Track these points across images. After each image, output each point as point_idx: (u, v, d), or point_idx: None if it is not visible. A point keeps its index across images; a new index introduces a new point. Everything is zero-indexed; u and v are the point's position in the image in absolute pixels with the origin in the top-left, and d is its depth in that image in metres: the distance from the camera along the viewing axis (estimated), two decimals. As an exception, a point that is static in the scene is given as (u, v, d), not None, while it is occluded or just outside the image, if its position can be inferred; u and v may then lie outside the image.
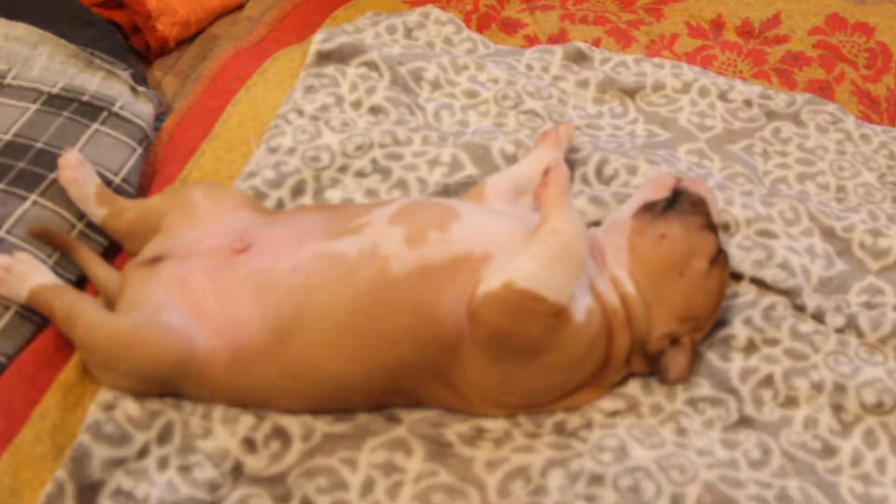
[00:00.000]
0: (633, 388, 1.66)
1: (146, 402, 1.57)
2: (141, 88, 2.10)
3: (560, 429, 1.59)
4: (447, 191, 1.94)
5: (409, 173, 1.96)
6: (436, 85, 2.24)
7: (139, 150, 1.96)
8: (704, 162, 2.08)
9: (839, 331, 1.75)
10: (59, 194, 1.81)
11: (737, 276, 1.82)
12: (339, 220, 1.64)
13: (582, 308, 1.53)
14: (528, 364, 1.53)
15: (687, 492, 1.48)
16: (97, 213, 1.78)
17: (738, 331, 1.73)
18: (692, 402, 1.63)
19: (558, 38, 2.50)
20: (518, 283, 1.46)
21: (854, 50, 2.45)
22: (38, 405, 1.56)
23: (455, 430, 1.58)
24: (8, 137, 1.89)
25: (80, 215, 1.81)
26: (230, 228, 1.68)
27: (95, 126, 1.95)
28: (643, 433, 1.58)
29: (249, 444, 1.55)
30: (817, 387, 1.64)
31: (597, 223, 1.84)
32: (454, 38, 2.43)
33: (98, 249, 1.80)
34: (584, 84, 2.30)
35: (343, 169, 1.96)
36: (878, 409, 1.62)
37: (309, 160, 1.95)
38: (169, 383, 1.56)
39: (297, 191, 1.92)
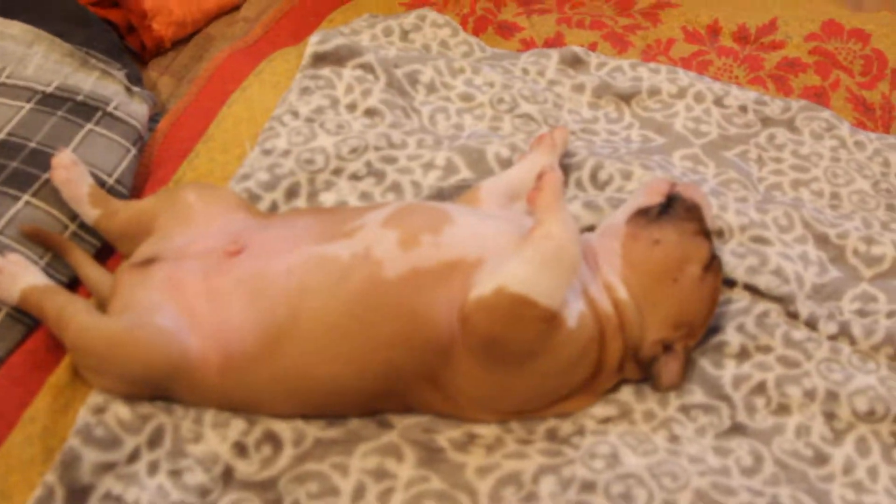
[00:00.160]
0: (626, 394, 1.65)
1: (137, 405, 1.55)
2: (136, 89, 2.10)
3: (552, 435, 1.59)
4: (441, 194, 1.93)
5: (404, 176, 1.95)
6: (431, 88, 2.23)
7: (133, 151, 1.96)
8: (699, 168, 2.08)
9: (832, 338, 1.75)
10: (52, 195, 1.80)
11: (730, 283, 1.81)
12: (332, 223, 1.64)
13: (574, 313, 1.52)
14: (520, 370, 1.53)
15: (678, 499, 1.47)
16: (90, 213, 1.78)
17: (731, 338, 1.72)
18: (685, 409, 1.63)
19: (554, 42, 2.49)
20: (510, 288, 1.45)
21: (849, 57, 2.44)
22: (28, 408, 1.54)
23: (447, 435, 1.57)
24: (1, 136, 1.88)
25: (73, 216, 1.80)
26: (224, 231, 1.67)
27: (89, 126, 1.95)
28: (635, 440, 1.57)
29: (240, 449, 1.54)
30: (810, 394, 1.64)
31: (591, 228, 1.83)
32: (450, 41, 2.43)
33: (91, 251, 1.80)
34: (579, 88, 2.29)
35: (337, 171, 1.96)
36: (870, 417, 1.61)
37: (303, 162, 1.95)
38: (160, 386, 1.56)
39: (291, 193, 1.91)
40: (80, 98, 1.99)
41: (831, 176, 2.09)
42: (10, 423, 1.52)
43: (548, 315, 1.47)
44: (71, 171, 1.78)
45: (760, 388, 1.65)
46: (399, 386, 1.56)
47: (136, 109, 2.04)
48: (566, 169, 1.98)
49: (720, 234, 1.88)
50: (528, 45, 2.50)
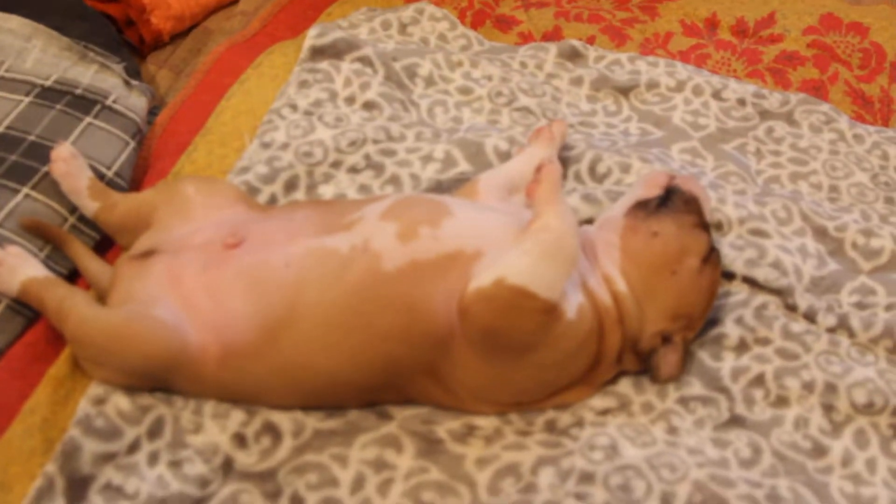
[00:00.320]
0: (625, 386, 1.66)
1: (137, 396, 1.56)
2: (134, 82, 2.10)
3: (551, 427, 1.59)
4: (440, 187, 1.93)
5: (403, 169, 1.96)
6: (430, 81, 2.23)
7: (132, 144, 1.96)
8: (697, 161, 2.08)
9: (831, 330, 1.75)
10: (51, 187, 1.80)
11: (729, 275, 1.82)
12: (331, 215, 1.64)
13: (573, 305, 1.53)
14: (519, 361, 1.53)
15: (677, 490, 1.48)
16: (89, 206, 1.78)
17: (730, 330, 1.73)
18: (683, 401, 1.63)
19: (553, 35, 2.50)
20: (509, 280, 1.45)
21: (848, 50, 2.45)
22: (28, 399, 1.55)
23: (446, 427, 1.58)
24: (0, 130, 1.88)
25: (72, 209, 1.80)
26: (222, 223, 1.68)
27: (88, 119, 1.95)
28: (634, 432, 1.57)
29: (240, 440, 1.54)
30: (808, 386, 1.64)
31: (589, 221, 1.84)
32: (448, 34, 2.43)
33: (90, 243, 1.80)
34: (577, 82, 2.30)
35: (336, 164, 1.96)
36: (868, 409, 1.62)
37: (302, 155, 1.95)
38: (160, 378, 1.56)
39: (290, 186, 1.91)
40: (78, 91, 1.99)
41: (830, 169, 2.10)
42: (10, 414, 1.53)
43: (547, 307, 1.47)
44: (70, 164, 1.78)
45: (759, 380, 1.66)
46: (398, 378, 1.57)
47: (134, 103, 2.04)
48: (565, 162, 1.99)
49: (719, 226, 1.88)
50: (526, 38, 2.50)
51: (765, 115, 2.22)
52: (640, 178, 1.84)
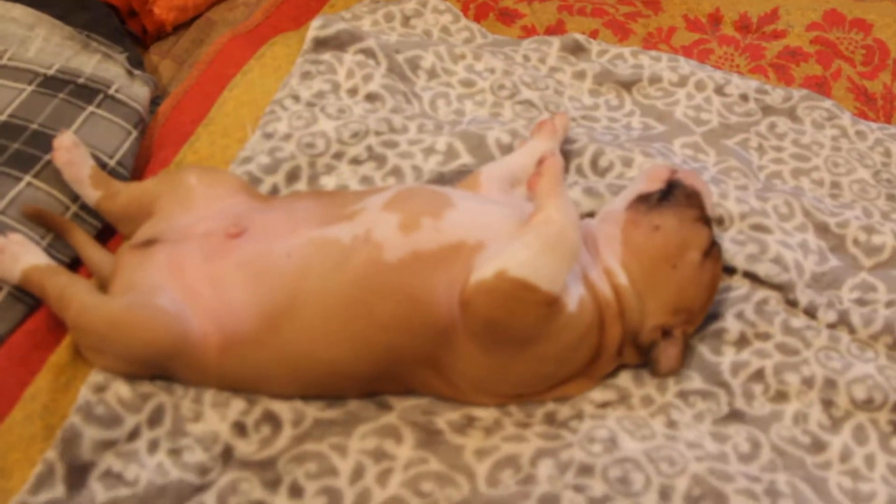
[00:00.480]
0: (625, 379, 1.66)
1: (137, 384, 1.57)
2: (137, 72, 2.10)
3: (551, 419, 1.60)
4: (442, 179, 1.93)
5: (405, 161, 1.96)
6: (432, 73, 2.23)
7: (134, 133, 1.96)
8: (699, 156, 2.08)
9: (831, 326, 1.75)
10: (53, 176, 1.81)
11: (730, 270, 1.82)
12: (333, 206, 1.64)
13: (574, 298, 1.53)
14: (520, 353, 1.53)
15: (676, 484, 1.48)
16: (91, 195, 1.78)
17: (731, 325, 1.73)
18: (683, 395, 1.64)
19: (556, 29, 2.50)
20: (511, 272, 1.46)
21: (851, 46, 2.45)
22: (29, 386, 1.56)
23: (446, 418, 1.58)
24: (3, 118, 1.89)
25: (75, 197, 1.81)
26: (225, 213, 1.68)
27: (91, 108, 1.95)
28: (633, 425, 1.58)
29: (240, 429, 1.55)
30: (808, 382, 1.64)
31: (591, 215, 1.84)
32: (451, 27, 2.43)
33: (92, 232, 1.81)
34: (580, 76, 2.30)
35: (338, 156, 1.96)
36: (868, 405, 1.62)
37: (304, 146, 1.95)
38: (161, 366, 1.57)
39: (292, 177, 1.92)
40: (81, 81, 2.00)
41: (832, 165, 2.09)
42: (10, 401, 1.53)
43: (548, 299, 1.48)
44: (72, 153, 1.78)
45: (759, 375, 1.66)
46: (398, 368, 1.57)
47: (137, 92, 2.05)
48: (567, 155, 1.99)
49: (720, 221, 1.89)
50: (529, 31, 2.50)
51: (767, 110, 2.21)
52: (641, 171, 1.84)
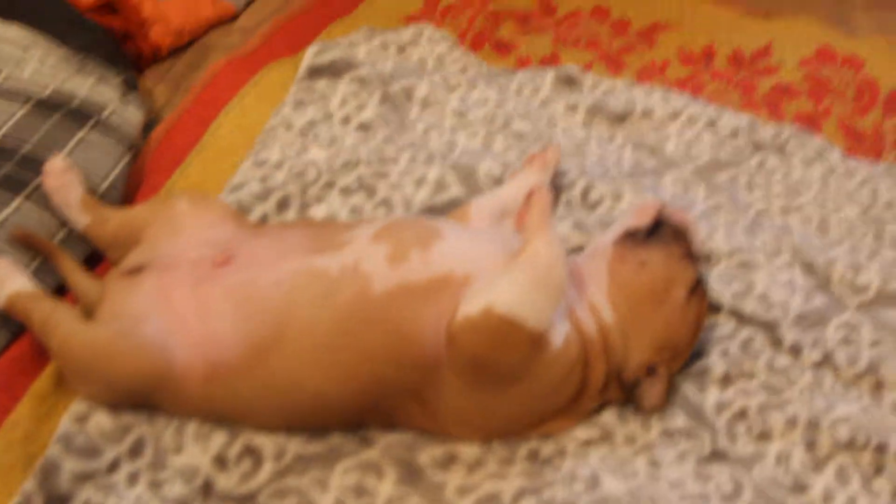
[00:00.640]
0: (608, 417, 1.64)
1: (119, 414, 1.55)
2: (131, 95, 2.09)
3: (533, 456, 1.58)
4: (432, 211, 1.92)
5: (395, 192, 1.95)
6: (426, 103, 2.22)
7: (126, 158, 1.96)
8: (689, 191, 2.07)
9: (816, 365, 1.74)
10: (43, 199, 1.79)
11: (716, 308, 1.81)
12: (322, 236, 1.63)
13: (560, 335, 1.51)
14: (505, 390, 1.52)
15: (657, 523, 1.47)
16: (80, 220, 1.77)
17: (715, 363, 1.71)
18: (667, 434, 1.62)
19: (550, 60, 2.49)
20: (498, 309, 1.44)
21: (842, 84, 2.43)
22: (10, 413, 1.55)
23: (429, 454, 1.56)
24: (-4, 140, 1.88)
25: (63, 222, 1.79)
26: (213, 240, 1.66)
27: (84, 132, 1.94)
28: (616, 463, 1.56)
29: (221, 462, 1.53)
30: (791, 422, 1.63)
31: (580, 249, 1.83)
32: (447, 56, 2.42)
33: (79, 257, 1.78)
34: (573, 108, 2.28)
35: (329, 185, 1.95)
36: (851, 446, 1.60)
37: (295, 175, 1.94)
38: (145, 396, 1.55)
39: (283, 205, 1.90)
40: (75, 103, 1.99)
41: (820, 202, 2.08)
42: (-8, 428, 1.52)
43: (535, 337, 1.46)
44: (63, 178, 1.77)
45: (742, 414, 1.65)
46: (383, 401, 1.55)
47: (130, 116, 2.04)
48: (557, 188, 1.98)
49: (708, 258, 1.88)
50: (523, 63, 2.49)
51: (758, 146, 2.20)
52: (630, 207, 1.83)
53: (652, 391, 1.61)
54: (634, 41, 2.55)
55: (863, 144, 2.29)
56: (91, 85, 2.06)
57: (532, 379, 1.51)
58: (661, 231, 1.67)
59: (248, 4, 2.61)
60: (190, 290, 1.58)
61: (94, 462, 1.49)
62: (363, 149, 2.02)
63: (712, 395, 1.68)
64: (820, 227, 2.04)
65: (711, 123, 2.24)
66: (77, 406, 1.54)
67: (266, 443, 1.55)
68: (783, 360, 1.73)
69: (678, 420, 1.63)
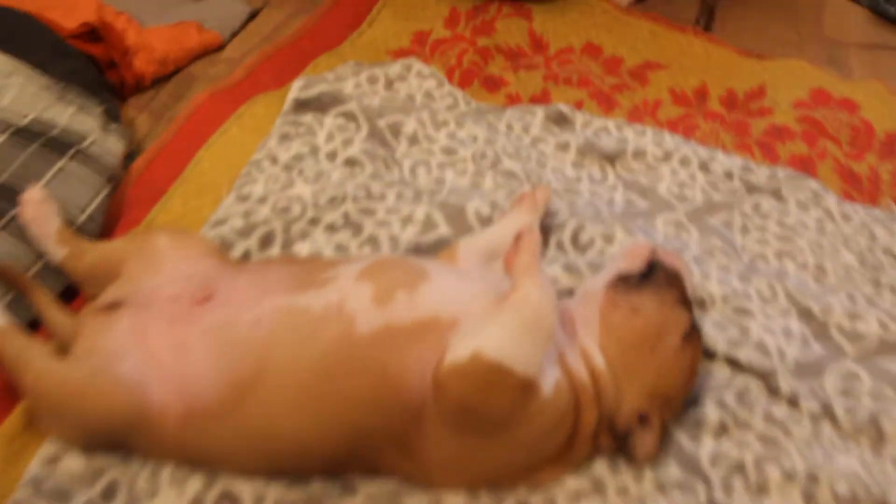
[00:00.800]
0: (600, 467, 1.59)
1: (92, 457, 1.50)
2: (113, 125, 2.06)
3: (521, 507, 1.53)
4: (419, 250, 1.89)
5: (381, 230, 1.91)
6: (414, 140, 2.19)
7: (106, 189, 1.93)
8: (682, 234, 2.04)
9: (814, 417, 1.70)
10: (19, 231, 1.76)
11: (711, 355, 1.77)
12: (305, 273, 1.59)
13: (550, 382, 1.47)
14: (493, 438, 1.47)
15: (650, 579, 1.42)
16: (57, 252, 1.74)
17: (710, 412, 1.67)
18: (660, 486, 1.57)
19: (540, 98, 2.47)
20: (486, 355, 1.39)
21: (837, 126, 2.42)
22: (-21, 455, 1.50)
23: (413, 502, 1.52)
24: (-29, 169, 1.84)
25: (39, 254, 1.76)
26: (193, 277, 1.63)
27: (63, 162, 1.92)
28: (608, 517, 1.52)
29: (197, 509, 1.48)
30: (789, 475, 1.59)
31: (570, 292, 1.79)
32: (435, 92, 2.39)
33: (55, 291, 1.74)
34: (564, 147, 2.26)
35: (314, 221, 1.92)
36: (851, 501, 1.56)
37: (280, 210, 1.91)
38: (119, 437, 1.50)
39: (266, 241, 1.87)
40: (55, 132, 1.96)
41: (816, 247, 2.06)
42: (-42, 470, 1.47)
43: (524, 383, 1.42)
44: (40, 209, 1.74)
45: (739, 466, 1.60)
46: (366, 447, 1.50)
47: (111, 147, 2.01)
48: (547, 229, 1.95)
49: (701, 303, 1.85)
50: (513, 100, 2.48)
51: (752, 189, 2.18)
52: (621, 249, 1.79)
53: (644, 440, 1.56)
54: (626, 79, 2.54)
55: (858, 188, 2.27)
56: (72, 114, 2.03)
57: (521, 427, 1.46)
58: (654, 275, 1.64)
59: (234, 34, 2.59)
60: (167, 328, 1.54)
61: (63, 507, 1.44)
62: (350, 185, 1.98)
63: (707, 446, 1.63)
64: (816, 273, 2.01)
65: (704, 165, 2.23)
66: (47, 447, 1.50)
67: (245, 489, 1.50)
68: (781, 410, 1.69)
69: (672, 471, 1.59)
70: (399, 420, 1.47)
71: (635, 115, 2.43)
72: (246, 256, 1.83)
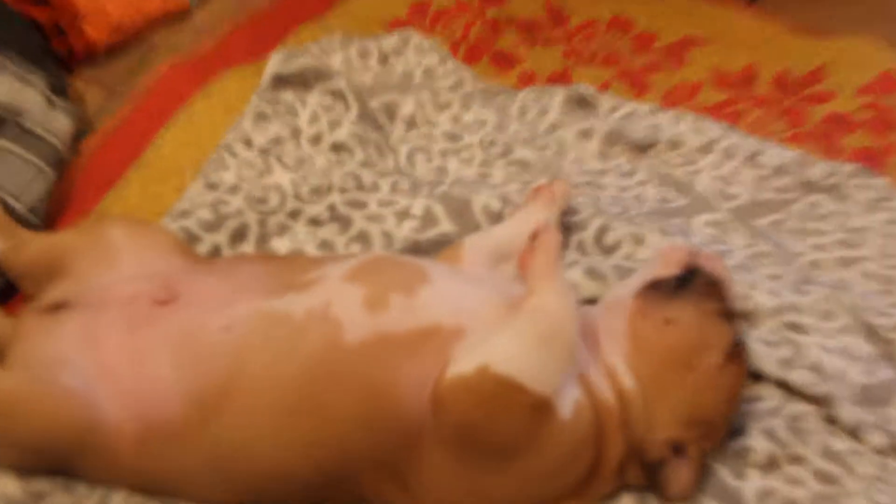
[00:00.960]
0: (627, 503, 1.60)
1: (31, 480, 1.51)
2: (59, 100, 2.07)
3: (534, 549, 1.54)
4: (417, 249, 1.91)
5: (373, 225, 1.93)
6: (412, 123, 2.22)
7: (50, 174, 1.95)
8: (725, 237, 2.05)
9: (880, 452, 1.70)
10: (-53, 221, 1.77)
11: (758, 377, 1.77)
12: (285, 273, 1.61)
13: (569, 402, 1.48)
14: (500, 466, 1.48)
15: None
16: (-8, 245, 1.75)
17: (757, 443, 1.67)
18: (697, 529, 1.58)
19: (560, 78, 2.50)
20: (495, 368, 1.41)
21: (909, 116, 2.44)
22: None
23: (404, 539, 1.53)
24: None
25: (-29, 248, 1.76)
26: (153, 275, 1.65)
27: (1, 141, 1.91)
28: (635, 562, 1.53)
29: (153, 542, 1.49)
30: (850, 518, 1.59)
31: (593, 300, 1.80)
32: (437, 69, 2.42)
33: (-10, 290, 1.76)
34: (586, 135, 2.28)
35: (294, 214, 1.94)
36: (921, 551, 1.57)
37: (254, 201, 1.93)
38: (63, 459, 1.51)
39: (238, 236, 1.89)
40: (-10, 107, 1.97)
41: (884, 255, 2.06)
42: None
43: (537, 403, 1.43)
44: (-27, 194, 1.75)
45: (790, 506, 1.61)
46: (352, 475, 1.52)
47: (56, 125, 2.03)
48: (567, 228, 1.97)
49: (747, 317, 1.85)
50: (528, 79, 2.50)
51: (808, 187, 2.19)
52: (655, 253, 1.80)
53: (679, 475, 1.57)
54: (660, 58, 2.56)
55: (933, 188, 2.29)
56: (10, 87, 2.04)
57: (533, 455, 1.48)
58: (692, 283, 1.65)
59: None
60: (123, 333, 1.56)
61: (-5, 538, 1.45)
62: (337, 173, 2.01)
63: (753, 483, 1.63)
64: (885, 286, 2.01)
65: (752, 158, 2.24)
66: (-23, 469, 1.51)
67: (210, 520, 1.51)
68: (841, 443, 1.69)
69: (711, 511, 1.60)
70: (391, 442, 1.48)
71: (670, 99, 2.45)
72: (215, 253, 1.86)
